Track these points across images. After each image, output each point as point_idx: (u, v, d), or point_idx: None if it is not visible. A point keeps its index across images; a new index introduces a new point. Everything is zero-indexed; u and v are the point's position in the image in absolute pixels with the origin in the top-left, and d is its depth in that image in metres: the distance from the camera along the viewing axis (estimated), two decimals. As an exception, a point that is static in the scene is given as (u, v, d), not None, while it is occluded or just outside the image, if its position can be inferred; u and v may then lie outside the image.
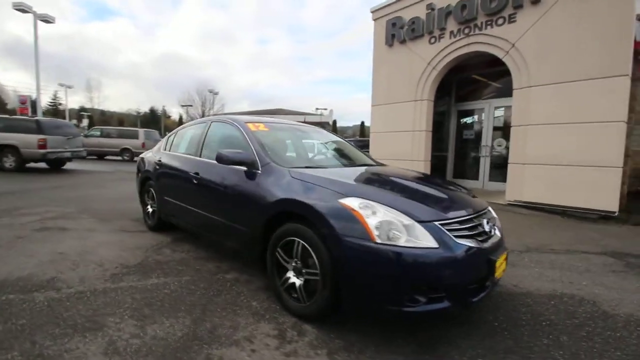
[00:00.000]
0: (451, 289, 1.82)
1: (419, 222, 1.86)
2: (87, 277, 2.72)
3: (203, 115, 27.10)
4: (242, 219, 2.59)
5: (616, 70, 4.95)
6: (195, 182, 3.15)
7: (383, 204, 1.93)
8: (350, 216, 1.89)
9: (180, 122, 42.76)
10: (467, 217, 2.07)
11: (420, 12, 7.44)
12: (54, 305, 2.25)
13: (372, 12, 8.51)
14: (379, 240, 1.79)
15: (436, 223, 1.89)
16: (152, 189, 4.08)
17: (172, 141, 4.07)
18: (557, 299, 2.57)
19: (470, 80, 8.28)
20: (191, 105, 33.23)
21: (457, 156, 8.66)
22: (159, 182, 3.88)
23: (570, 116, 5.45)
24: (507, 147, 7.36)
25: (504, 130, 7.56)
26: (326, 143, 3.58)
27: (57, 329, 1.99)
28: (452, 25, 6.95)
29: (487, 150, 7.79)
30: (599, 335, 2.10)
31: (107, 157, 17.09)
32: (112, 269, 2.92)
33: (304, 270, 2.13)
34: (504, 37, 6.19)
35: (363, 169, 2.91)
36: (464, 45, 6.82)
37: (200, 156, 3.32)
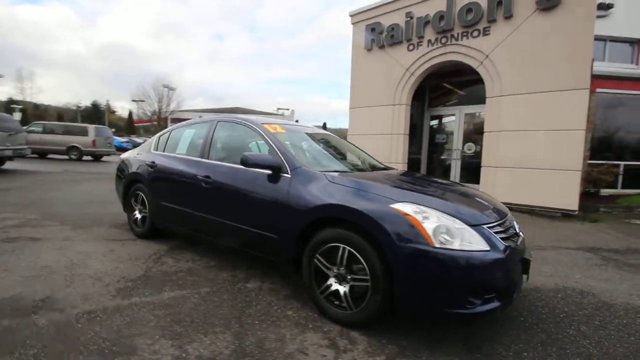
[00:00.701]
0: (500, 289, 1.91)
1: (470, 225, 1.93)
2: (90, 294, 2.42)
3: (159, 112, 25.29)
4: (270, 225, 2.48)
5: (578, 84, 5.55)
6: (205, 186, 2.96)
7: (434, 209, 1.96)
8: (405, 222, 1.90)
9: (130, 118, 39.67)
10: (503, 220, 2.18)
11: (399, 19, 7.70)
12: (64, 329, 1.97)
13: (351, 15, 8.64)
14: (437, 245, 1.82)
15: (484, 226, 1.97)
16: (141, 193, 3.74)
17: (166, 141, 3.77)
18: (562, 292, 2.81)
19: (442, 87, 8.75)
20: (143, 101, 31.04)
21: (429, 159, 9.09)
22: (153, 185, 3.58)
23: (538, 124, 6.00)
24: (476, 151, 7.90)
25: (473, 135, 8.10)
26: (337, 146, 3.55)
27: (80, 356, 1.75)
28: (430, 34, 7.29)
29: (457, 153, 8.28)
30: (610, 323, 2.34)
31: (50, 156, 15.37)
32: (114, 283, 2.63)
33: (349, 277, 2.10)
34: (479, 48, 6.63)
35: (389, 172, 2.94)
36: (441, 54, 7.19)
37: (208, 158, 3.12)
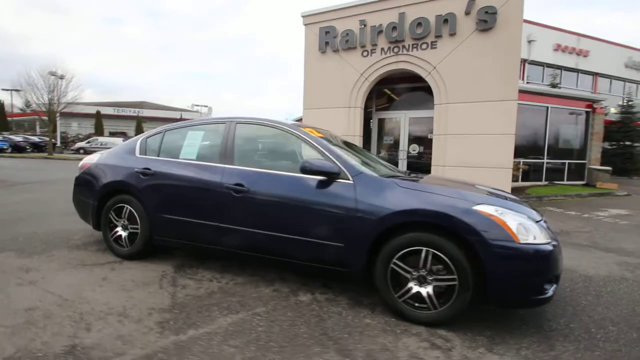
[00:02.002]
0: (558, 273, 2.23)
1: (535, 221, 2.21)
2: (128, 335, 1.98)
3: (50, 104, 20.54)
4: (336, 234, 2.39)
5: (509, 96, 6.65)
6: (236, 195, 2.67)
7: (508, 209, 2.18)
8: (492, 222, 2.07)
9: (3, 110, 31.79)
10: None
11: (353, 25, 8.01)
12: (135, 383, 1.59)
13: (303, 16, 8.62)
14: (521, 241, 2.04)
15: (542, 222, 2.28)
16: (128, 206, 3.15)
17: (160, 145, 3.24)
18: (552, 271, 3.38)
19: (388, 92, 9.42)
20: (20, 90, 25.26)
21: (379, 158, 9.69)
22: (150, 196, 3.04)
23: (478, 129, 6.98)
24: (419, 152, 8.77)
25: (417, 137, 8.95)
26: (357, 149, 3.55)
27: (187, 411, 1.44)
28: (383, 42, 7.78)
29: (404, 154, 9.05)
30: (601, 292, 2.92)
31: None
32: (146, 317, 2.19)
33: (430, 278, 2.18)
34: (427, 59, 7.37)
35: (428, 176, 3.09)
36: (393, 62, 7.74)
37: (233, 164, 2.81)
